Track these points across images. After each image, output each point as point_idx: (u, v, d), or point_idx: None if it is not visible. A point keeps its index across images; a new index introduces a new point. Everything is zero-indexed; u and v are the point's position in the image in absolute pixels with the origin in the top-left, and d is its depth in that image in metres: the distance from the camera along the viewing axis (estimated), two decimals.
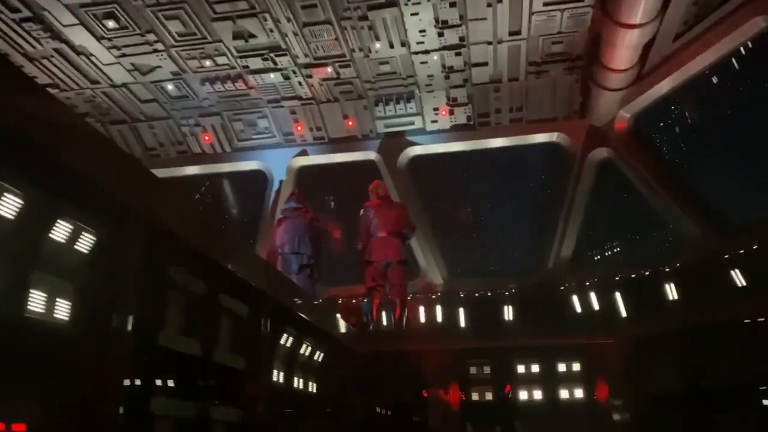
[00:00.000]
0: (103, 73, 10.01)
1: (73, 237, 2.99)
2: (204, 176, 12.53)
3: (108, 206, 3.14)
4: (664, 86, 9.51)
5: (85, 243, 3.05)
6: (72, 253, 2.98)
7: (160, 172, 11.57)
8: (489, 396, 7.61)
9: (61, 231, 2.87)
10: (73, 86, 10.30)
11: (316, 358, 6.74)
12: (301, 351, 6.43)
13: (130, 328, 3.33)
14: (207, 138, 11.54)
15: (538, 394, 7.45)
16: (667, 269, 9.25)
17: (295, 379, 6.28)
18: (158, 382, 3.96)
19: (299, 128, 11.29)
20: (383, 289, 9.34)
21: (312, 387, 6.63)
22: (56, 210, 2.86)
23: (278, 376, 5.85)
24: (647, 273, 9.52)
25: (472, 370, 7.76)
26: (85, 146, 3.07)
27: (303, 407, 6.45)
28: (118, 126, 11.44)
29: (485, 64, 9.87)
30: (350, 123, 11.13)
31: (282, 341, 5.89)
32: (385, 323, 9.65)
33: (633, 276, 9.64)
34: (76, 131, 3.10)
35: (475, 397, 7.61)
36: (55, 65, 9.75)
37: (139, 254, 3.45)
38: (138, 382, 3.69)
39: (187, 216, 4.31)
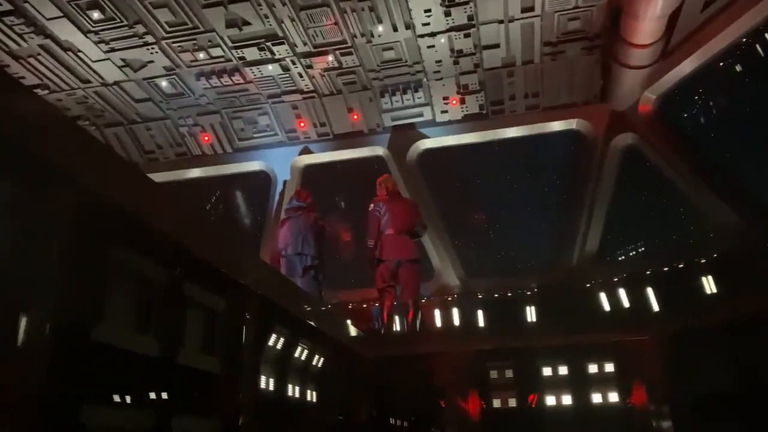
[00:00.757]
0: (93, 71, 9.50)
1: None
2: (205, 180, 11.92)
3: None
4: (692, 62, 8.76)
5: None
6: None
7: (160, 176, 11.07)
8: (512, 403, 6.87)
9: None
10: (64, 86, 9.81)
11: (321, 365, 6.11)
12: (305, 358, 5.82)
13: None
14: (206, 138, 10.99)
15: (567, 399, 6.69)
16: (704, 260, 8.51)
17: (299, 388, 5.69)
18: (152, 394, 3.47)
19: (302, 124, 10.69)
20: (394, 291, 8.66)
21: (319, 396, 6.00)
22: None
23: (281, 386, 5.28)
24: (681, 265, 8.78)
25: (493, 374, 7.02)
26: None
27: (309, 418, 5.86)
28: (113, 129, 10.93)
29: (497, 45, 9.20)
30: (355, 117, 10.50)
31: (284, 348, 5.31)
32: (397, 327, 8.99)
33: (666, 269, 8.89)
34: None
35: (496, 404, 6.87)
36: (42, 64, 9.27)
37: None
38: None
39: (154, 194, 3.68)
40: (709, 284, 8.21)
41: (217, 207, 12.96)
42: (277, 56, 9.26)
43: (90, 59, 9.24)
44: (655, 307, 8.33)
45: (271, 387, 5.08)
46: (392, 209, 8.68)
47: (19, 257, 2.42)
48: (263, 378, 4.91)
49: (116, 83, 9.84)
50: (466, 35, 8.96)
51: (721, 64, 8.81)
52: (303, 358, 5.78)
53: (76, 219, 2.69)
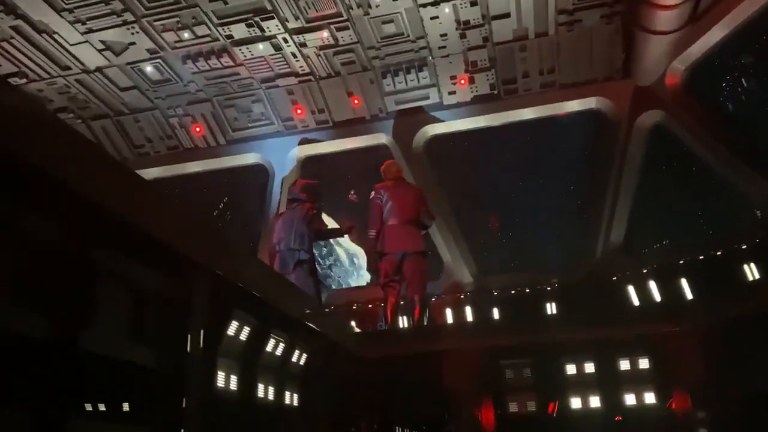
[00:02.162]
0: (72, 56, 8.84)
1: None
2: (199, 176, 11.19)
3: None
4: (725, 26, 7.86)
5: None
6: None
7: (150, 173, 10.41)
8: (532, 407, 5.97)
9: None
10: (43, 74, 9.17)
11: (317, 368, 5.31)
12: (297, 361, 5.04)
13: None
14: (198, 129, 10.27)
15: (595, 401, 5.78)
16: (744, 246, 7.59)
17: (287, 394, 4.90)
18: None
19: (299, 111, 9.93)
20: (399, 286, 7.84)
21: (314, 403, 5.22)
22: None
23: (266, 393, 4.52)
24: (719, 253, 7.88)
25: (509, 373, 6.13)
26: None
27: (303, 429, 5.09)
28: (100, 122, 10.26)
29: (507, 15, 8.39)
30: (356, 101, 9.71)
31: (272, 350, 4.57)
32: (402, 326, 8.17)
33: (702, 257, 7.97)
34: None
35: (513, 408, 5.98)
36: (17, 48, 8.63)
37: None
38: None
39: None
40: (752, 271, 7.32)
41: (214, 205, 12.24)
42: (268, 33, 8.53)
43: (67, 42, 8.58)
44: (692, 297, 7.40)
45: (256, 394, 4.32)
46: (396, 196, 7.91)
47: None
48: (246, 384, 4.15)
49: (98, 69, 9.17)
50: (473, 3, 8.16)
51: (759, 27, 7.85)
52: (294, 360, 5.01)
53: None
